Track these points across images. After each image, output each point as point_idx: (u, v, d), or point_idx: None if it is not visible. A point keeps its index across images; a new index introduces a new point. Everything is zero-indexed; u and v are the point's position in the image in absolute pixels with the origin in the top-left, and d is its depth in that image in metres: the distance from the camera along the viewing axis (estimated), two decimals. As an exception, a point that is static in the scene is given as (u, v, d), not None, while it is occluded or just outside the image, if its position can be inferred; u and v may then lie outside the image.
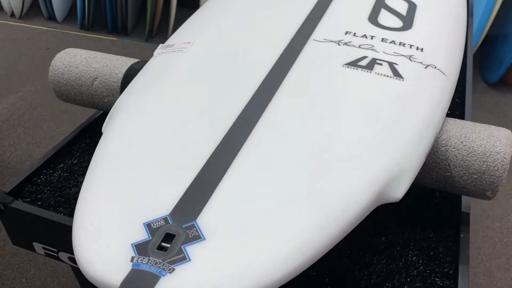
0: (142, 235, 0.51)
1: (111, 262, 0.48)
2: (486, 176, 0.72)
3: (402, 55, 0.82)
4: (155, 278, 0.46)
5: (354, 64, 0.78)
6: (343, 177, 0.59)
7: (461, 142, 0.74)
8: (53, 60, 0.94)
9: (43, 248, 0.87)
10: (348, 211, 0.55)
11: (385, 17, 0.93)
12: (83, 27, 3.18)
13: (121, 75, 0.90)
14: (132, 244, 0.50)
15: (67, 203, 0.86)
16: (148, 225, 0.51)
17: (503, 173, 0.72)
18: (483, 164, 0.72)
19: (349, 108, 0.69)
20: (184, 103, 0.72)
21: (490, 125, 0.77)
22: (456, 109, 1.12)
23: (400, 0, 0.99)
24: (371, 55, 0.81)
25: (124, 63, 0.92)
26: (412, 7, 0.97)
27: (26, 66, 2.80)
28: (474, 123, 0.78)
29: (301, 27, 0.89)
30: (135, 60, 0.94)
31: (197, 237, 0.50)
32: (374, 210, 0.87)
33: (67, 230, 0.79)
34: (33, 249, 0.88)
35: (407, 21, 0.93)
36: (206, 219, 0.52)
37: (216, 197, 0.55)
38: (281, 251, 0.50)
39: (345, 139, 0.64)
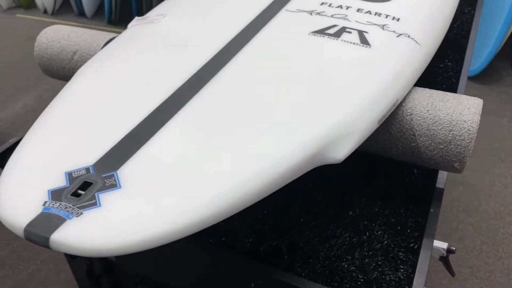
0: (61, 182, 0.51)
1: (23, 205, 0.49)
2: (452, 146, 0.69)
3: (375, 24, 0.79)
4: (61, 221, 0.46)
5: (321, 32, 0.77)
6: (280, 133, 0.57)
7: (427, 110, 0.71)
8: (38, 36, 0.96)
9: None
10: (280, 165, 0.54)
11: None
12: (110, 22, 3.26)
13: (99, 49, 0.91)
14: (48, 190, 0.50)
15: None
16: (69, 174, 0.52)
17: (469, 143, 0.68)
18: (449, 134, 0.69)
19: (303, 71, 0.68)
20: (142, 66, 0.72)
21: (462, 95, 0.73)
22: (451, 90, 1.07)
23: None
24: (341, 24, 0.79)
25: (103, 37, 0.94)
26: None
27: (55, 60, 2.90)
28: (445, 92, 0.74)
29: None
30: (115, 35, 0.95)
31: (114, 185, 0.50)
32: (344, 184, 0.84)
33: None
34: None
35: None
36: (128, 171, 0.52)
37: (143, 151, 0.55)
38: (193, 202, 0.49)
39: (289, 98, 0.62)
